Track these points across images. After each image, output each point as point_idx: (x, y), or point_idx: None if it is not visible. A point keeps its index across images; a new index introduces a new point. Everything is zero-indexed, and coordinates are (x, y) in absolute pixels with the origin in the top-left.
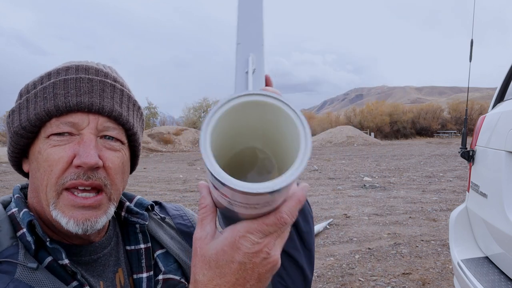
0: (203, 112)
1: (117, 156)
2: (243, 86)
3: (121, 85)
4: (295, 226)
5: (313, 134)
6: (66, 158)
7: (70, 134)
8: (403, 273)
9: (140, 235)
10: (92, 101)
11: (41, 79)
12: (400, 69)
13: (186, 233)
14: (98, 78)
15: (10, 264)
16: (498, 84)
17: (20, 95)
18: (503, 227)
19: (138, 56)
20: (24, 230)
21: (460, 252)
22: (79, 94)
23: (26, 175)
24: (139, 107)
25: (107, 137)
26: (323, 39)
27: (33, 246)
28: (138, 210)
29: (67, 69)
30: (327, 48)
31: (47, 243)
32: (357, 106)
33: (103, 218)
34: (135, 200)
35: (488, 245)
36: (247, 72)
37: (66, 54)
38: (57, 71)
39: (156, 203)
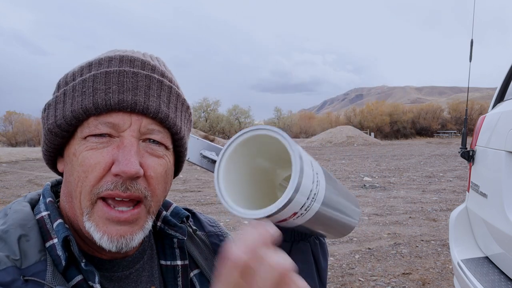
0: (203, 112)
1: (160, 163)
2: None
3: (169, 81)
4: (316, 263)
5: (313, 134)
6: (104, 164)
7: (110, 135)
8: (403, 273)
9: (177, 251)
10: (135, 100)
11: (81, 70)
12: (400, 69)
13: None
14: (144, 72)
15: (36, 284)
16: (498, 84)
17: (58, 87)
18: (503, 227)
19: None
20: (55, 241)
21: (460, 252)
22: (122, 91)
23: (61, 174)
24: (188, 107)
25: (151, 140)
26: (323, 39)
27: (63, 263)
28: (176, 222)
29: (109, 60)
30: (327, 48)
31: (82, 265)
32: (357, 106)
33: (139, 234)
34: (171, 208)
35: (488, 245)
36: None
37: (66, 54)
38: (99, 62)
39: (189, 211)
